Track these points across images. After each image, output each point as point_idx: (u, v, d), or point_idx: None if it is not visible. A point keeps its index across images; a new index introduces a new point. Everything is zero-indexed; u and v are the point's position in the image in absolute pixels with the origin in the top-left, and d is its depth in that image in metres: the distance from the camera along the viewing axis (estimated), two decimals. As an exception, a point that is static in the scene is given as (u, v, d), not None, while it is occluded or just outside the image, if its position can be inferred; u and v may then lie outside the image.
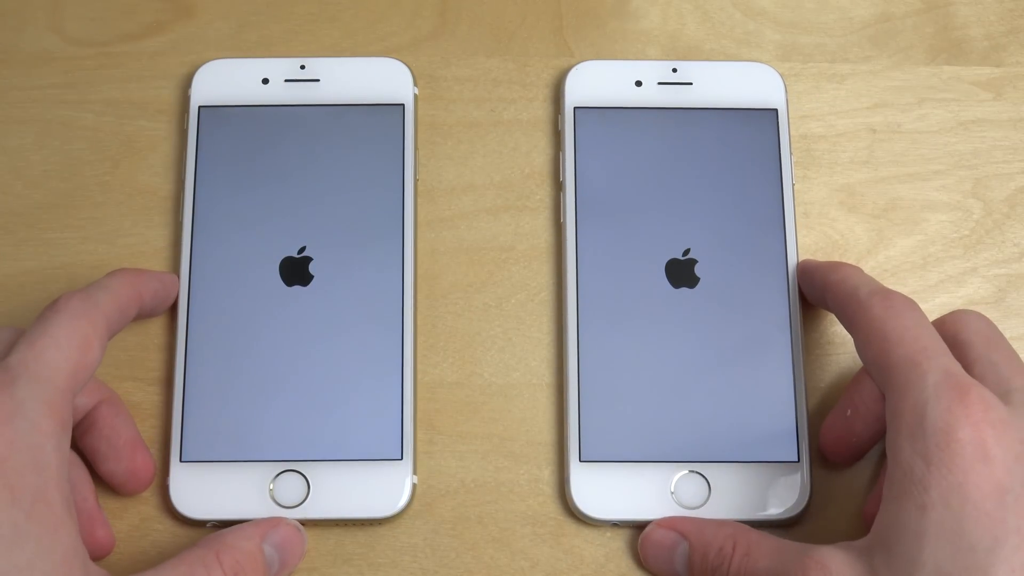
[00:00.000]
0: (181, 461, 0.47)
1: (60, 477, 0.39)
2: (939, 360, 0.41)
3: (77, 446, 0.47)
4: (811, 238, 0.52)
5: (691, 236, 0.50)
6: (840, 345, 0.50)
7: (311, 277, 0.49)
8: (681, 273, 0.50)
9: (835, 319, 0.50)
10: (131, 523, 0.48)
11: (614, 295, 0.49)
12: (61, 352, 0.41)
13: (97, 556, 0.46)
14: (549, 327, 0.50)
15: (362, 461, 0.47)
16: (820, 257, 0.52)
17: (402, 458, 0.47)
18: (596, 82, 0.52)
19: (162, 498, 0.48)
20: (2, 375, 0.40)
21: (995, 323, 0.51)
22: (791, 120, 0.53)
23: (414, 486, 0.48)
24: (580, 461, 0.48)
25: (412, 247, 0.50)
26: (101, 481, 0.47)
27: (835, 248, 0.52)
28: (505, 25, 0.55)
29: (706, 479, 0.47)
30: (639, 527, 0.48)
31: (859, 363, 0.48)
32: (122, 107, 0.53)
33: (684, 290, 0.50)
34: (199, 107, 0.52)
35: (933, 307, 0.51)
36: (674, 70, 0.53)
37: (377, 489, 0.47)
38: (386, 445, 0.48)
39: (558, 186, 0.51)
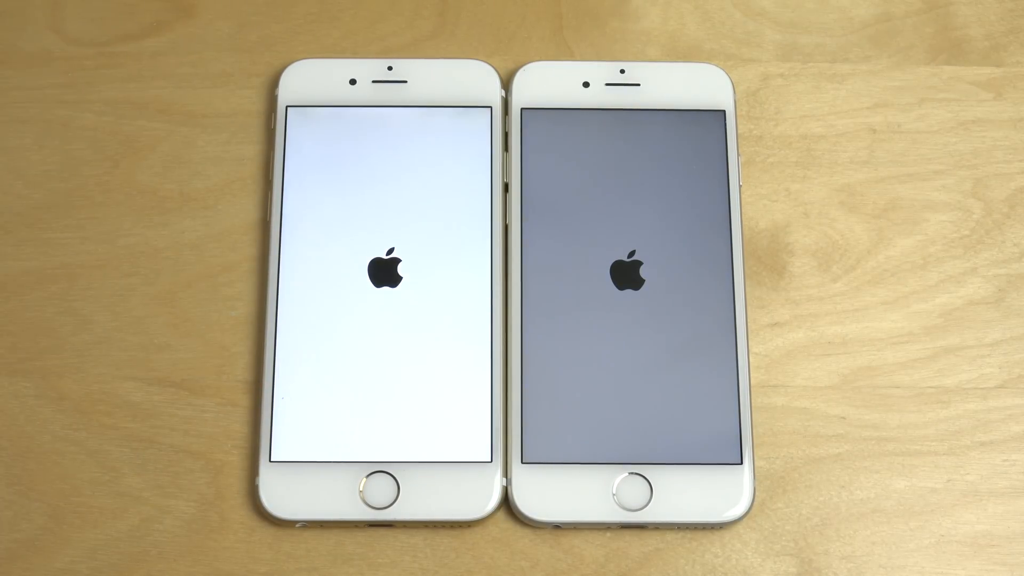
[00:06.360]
0: (271, 461, 0.48)
1: None
2: None
3: None
4: (811, 238, 0.52)
5: (637, 238, 0.50)
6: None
7: (400, 278, 0.50)
8: (626, 275, 0.50)
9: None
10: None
11: (558, 296, 0.49)
12: None
13: None
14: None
15: (452, 463, 0.47)
16: (819, 257, 0.52)
17: (492, 460, 0.48)
18: (543, 83, 0.52)
19: (251, 497, 0.48)
20: None
21: (995, 323, 0.51)
22: (739, 120, 0.52)
23: (504, 488, 0.48)
24: (522, 463, 0.48)
25: (501, 248, 0.50)
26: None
27: (835, 248, 0.52)
28: (505, 25, 0.55)
29: (648, 481, 0.47)
30: (581, 529, 0.48)
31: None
32: (122, 107, 0.53)
33: (629, 292, 0.50)
34: (286, 107, 0.52)
35: (933, 307, 0.51)
36: (622, 71, 0.53)
37: (467, 491, 0.47)
38: (476, 447, 0.48)
39: (504, 187, 0.51)
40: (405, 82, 0.52)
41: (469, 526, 0.48)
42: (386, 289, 0.50)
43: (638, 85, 0.52)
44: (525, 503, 0.47)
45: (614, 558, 0.48)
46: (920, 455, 0.49)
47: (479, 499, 0.47)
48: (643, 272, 0.50)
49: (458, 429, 0.48)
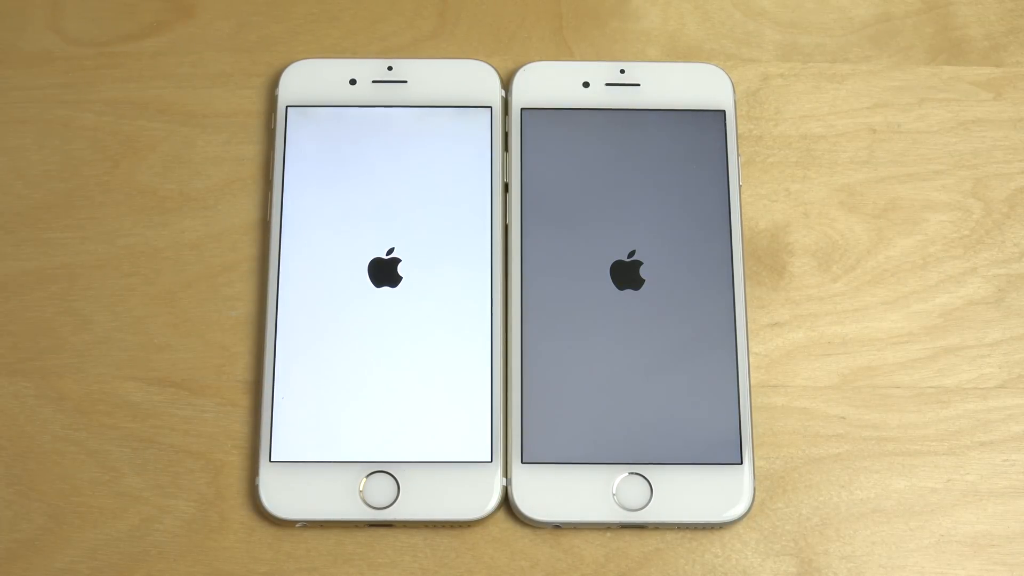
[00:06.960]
0: (271, 461, 0.48)
1: None
2: None
3: None
4: (811, 238, 0.52)
5: (637, 238, 0.50)
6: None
7: (400, 278, 0.50)
8: (626, 275, 0.50)
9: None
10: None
11: (559, 296, 0.50)
12: None
13: None
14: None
15: (452, 463, 0.47)
16: (819, 257, 0.52)
17: (492, 460, 0.48)
18: (543, 83, 0.52)
19: (251, 497, 0.48)
20: None
21: (995, 323, 0.51)
22: (739, 120, 0.52)
23: (504, 488, 0.48)
24: (522, 463, 0.48)
25: (501, 248, 0.50)
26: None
27: (835, 248, 0.52)
28: (505, 25, 0.55)
29: (648, 481, 0.47)
30: (581, 529, 0.48)
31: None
32: (122, 107, 0.53)
33: (629, 292, 0.50)
34: (286, 107, 0.52)
35: (933, 307, 0.51)
36: (622, 71, 0.53)
37: (467, 491, 0.47)
38: (476, 447, 0.48)
39: (504, 187, 0.51)
40: (405, 82, 0.52)
41: (469, 526, 0.48)
42: (386, 289, 0.50)
43: (638, 85, 0.52)
44: (525, 503, 0.47)
45: (614, 558, 0.48)
46: (920, 455, 0.49)
47: (479, 499, 0.47)
48: (643, 272, 0.50)
49: (458, 429, 0.48)
